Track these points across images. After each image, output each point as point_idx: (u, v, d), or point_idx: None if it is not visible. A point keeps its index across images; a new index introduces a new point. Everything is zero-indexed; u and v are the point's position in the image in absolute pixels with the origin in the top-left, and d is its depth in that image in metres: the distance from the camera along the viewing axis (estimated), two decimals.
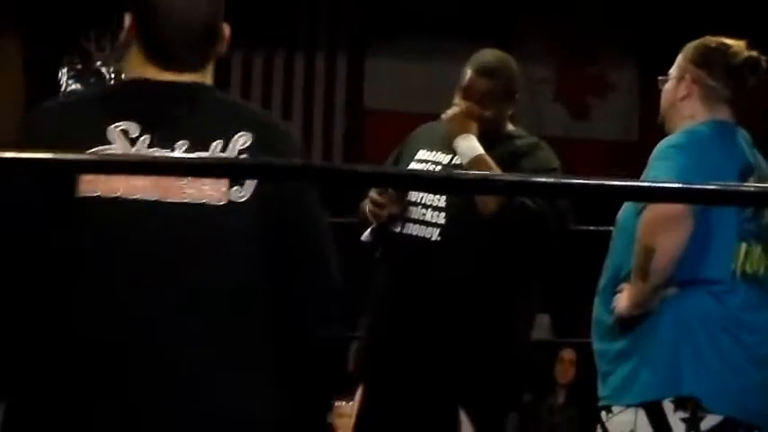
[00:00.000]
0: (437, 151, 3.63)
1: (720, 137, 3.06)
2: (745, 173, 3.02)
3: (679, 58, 3.17)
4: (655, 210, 2.84)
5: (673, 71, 3.17)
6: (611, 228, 3.12)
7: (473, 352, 3.49)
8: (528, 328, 3.86)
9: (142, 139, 2.07)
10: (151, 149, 2.07)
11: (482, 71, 3.60)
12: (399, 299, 3.54)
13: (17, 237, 2.03)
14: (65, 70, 8.98)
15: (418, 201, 3.53)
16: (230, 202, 2.07)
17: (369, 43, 9.47)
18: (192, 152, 2.08)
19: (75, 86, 9.01)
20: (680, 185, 1.46)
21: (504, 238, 3.45)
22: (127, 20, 2.18)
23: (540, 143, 3.67)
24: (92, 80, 9.02)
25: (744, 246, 3.00)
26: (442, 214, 3.50)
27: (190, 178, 2.02)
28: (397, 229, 3.54)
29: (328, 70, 9.49)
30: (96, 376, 2.01)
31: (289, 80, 9.46)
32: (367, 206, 3.56)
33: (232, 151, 2.09)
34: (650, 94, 10.24)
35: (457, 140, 3.52)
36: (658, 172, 2.91)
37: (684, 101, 3.11)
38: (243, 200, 2.07)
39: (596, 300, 3.08)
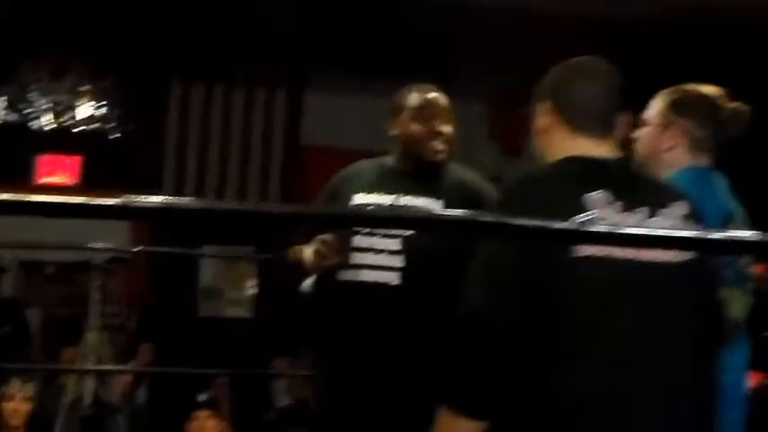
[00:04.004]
0: (377, 193, 3.61)
1: (703, 185, 3.09)
2: (726, 219, 3.06)
3: (658, 105, 3.20)
4: None
5: (653, 118, 3.18)
6: None
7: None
8: None
9: (617, 204, 2.39)
10: (624, 213, 2.39)
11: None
12: (365, 346, 3.50)
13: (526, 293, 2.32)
14: (2, 99, 8.88)
15: (369, 247, 3.50)
16: (686, 260, 2.40)
17: (308, 78, 9.46)
18: (651, 216, 2.41)
19: (9, 117, 8.91)
20: (679, 234, 1.48)
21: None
22: (543, 108, 2.59)
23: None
24: (27, 111, 8.93)
25: (723, 290, 3.03)
26: (398, 257, 3.47)
27: None
28: (348, 278, 3.50)
29: (267, 104, 9.47)
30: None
31: (227, 113, 9.42)
32: (305, 256, 3.51)
33: (675, 217, 2.44)
34: None
35: None
36: None
37: (670, 151, 3.14)
38: (690, 257, 2.42)
39: None
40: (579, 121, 2.52)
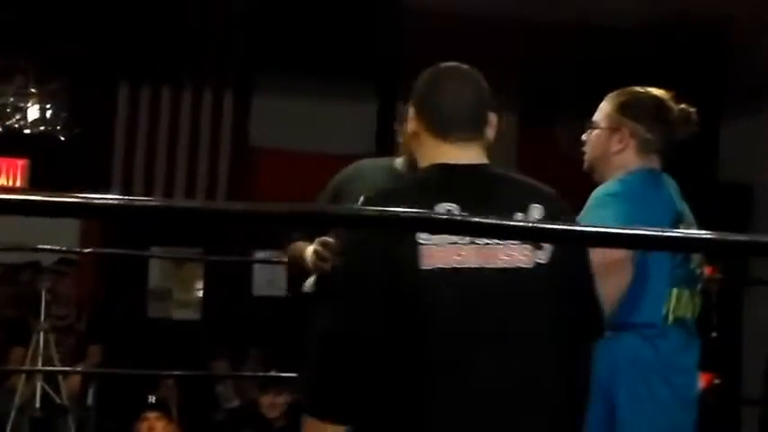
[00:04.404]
0: None
1: (653, 186, 3.15)
2: (676, 220, 3.11)
3: (606, 108, 3.22)
4: (597, 256, 2.88)
5: (601, 121, 3.22)
6: None
7: None
8: None
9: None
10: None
11: None
12: None
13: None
14: None
15: None
16: (537, 264, 2.47)
17: (256, 80, 9.48)
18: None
19: None
20: (625, 231, 1.52)
21: None
22: (411, 113, 2.62)
23: None
24: None
25: (675, 291, 3.09)
26: None
27: (503, 247, 2.43)
28: None
29: (215, 106, 9.47)
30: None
31: (175, 115, 9.41)
32: (306, 255, 3.48)
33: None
34: (528, 141, 10.38)
35: None
36: (597, 219, 2.97)
37: (619, 153, 3.18)
38: (544, 261, 2.47)
39: None
40: (441, 127, 2.56)
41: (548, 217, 2.49)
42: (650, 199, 3.10)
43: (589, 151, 3.25)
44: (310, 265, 3.48)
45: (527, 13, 8.53)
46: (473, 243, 2.43)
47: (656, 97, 3.23)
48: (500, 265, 2.45)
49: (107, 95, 9.15)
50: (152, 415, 6.63)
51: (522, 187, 2.58)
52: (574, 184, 3.13)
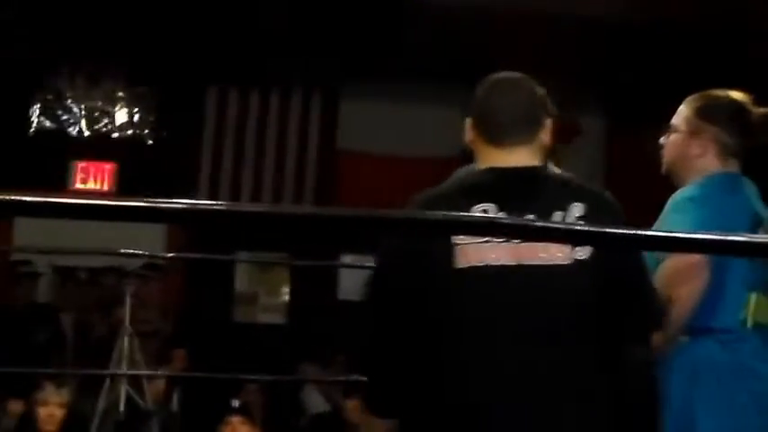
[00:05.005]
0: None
1: (732, 189, 3.11)
2: (756, 224, 3.07)
3: (686, 112, 3.19)
4: (673, 261, 2.89)
5: (680, 125, 3.18)
6: None
7: None
8: None
9: (499, 215, 2.49)
10: None
11: None
12: None
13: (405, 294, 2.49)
14: (36, 107, 8.95)
15: None
16: (575, 261, 2.48)
17: (343, 84, 9.47)
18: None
19: (45, 123, 8.97)
20: (702, 236, 1.46)
21: None
22: (469, 123, 2.68)
23: None
24: (63, 117, 8.99)
25: (753, 296, 3.05)
26: None
27: (542, 244, 2.47)
28: None
29: (303, 110, 9.49)
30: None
31: (263, 118, 9.44)
32: None
33: (570, 219, 2.51)
34: (616, 141, 10.24)
35: None
36: (673, 223, 2.97)
37: (699, 158, 3.14)
38: (584, 258, 2.48)
39: None
40: (492, 134, 2.63)
41: (589, 215, 2.52)
42: (727, 203, 3.07)
43: (668, 155, 3.23)
44: None
45: (613, 13, 8.40)
46: (509, 241, 2.47)
47: (735, 101, 3.18)
48: (537, 261, 2.48)
49: (194, 100, 9.21)
50: (235, 419, 6.62)
51: (566, 186, 2.62)
52: (663, 186, 3.16)
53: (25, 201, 1.32)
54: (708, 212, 2.98)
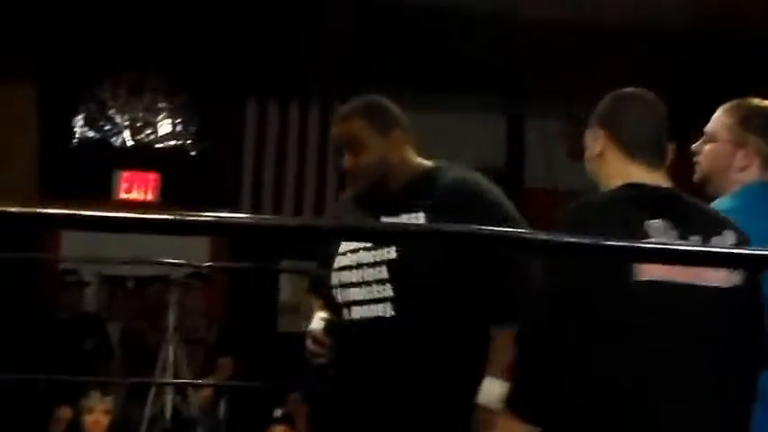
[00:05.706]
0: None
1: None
2: None
3: (727, 121, 3.10)
4: None
5: (722, 133, 3.09)
6: None
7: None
8: None
9: (673, 232, 2.53)
10: (680, 241, 2.49)
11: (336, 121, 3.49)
12: (365, 386, 3.28)
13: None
14: (79, 117, 8.99)
15: (356, 281, 3.26)
16: (732, 285, 2.54)
17: (383, 95, 9.46)
18: (705, 244, 2.53)
19: (89, 134, 9.02)
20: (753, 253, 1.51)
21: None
22: (595, 134, 2.70)
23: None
24: (106, 128, 9.04)
25: None
26: (388, 286, 3.20)
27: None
28: (346, 317, 3.29)
29: None
30: None
31: (303, 130, 9.45)
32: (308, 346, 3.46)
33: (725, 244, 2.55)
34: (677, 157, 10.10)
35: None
36: None
37: (743, 170, 3.07)
38: (739, 284, 2.55)
39: None
40: (634, 150, 2.66)
41: (739, 243, 2.57)
42: (763, 214, 2.96)
43: (706, 164, 3.13)
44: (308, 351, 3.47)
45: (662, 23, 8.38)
46: None
47: None
48: (705, 283, 2.52)
49: (235, 110, 9.23)
50: (278, 429, 6.64)
51: (710, 213, 2.68)
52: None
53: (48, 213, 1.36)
54: (747, 223, 2.82)
